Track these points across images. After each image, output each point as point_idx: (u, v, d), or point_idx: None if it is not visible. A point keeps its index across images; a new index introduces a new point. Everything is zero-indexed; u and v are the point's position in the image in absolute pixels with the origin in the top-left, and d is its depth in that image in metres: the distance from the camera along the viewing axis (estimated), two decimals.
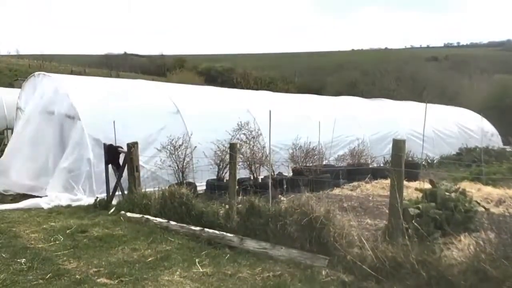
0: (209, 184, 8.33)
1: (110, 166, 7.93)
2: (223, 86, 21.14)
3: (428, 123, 13.42)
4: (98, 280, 4.08)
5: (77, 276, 4.18)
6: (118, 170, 7.80)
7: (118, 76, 39.71)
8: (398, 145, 4.29)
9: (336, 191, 8.91)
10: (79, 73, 36.53)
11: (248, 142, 8.74)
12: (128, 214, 6.64)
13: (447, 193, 5.27)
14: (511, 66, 43.66)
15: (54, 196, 8.18)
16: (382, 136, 13.70)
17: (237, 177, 6.15)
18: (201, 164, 8.77)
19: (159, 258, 4.70)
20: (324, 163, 10.53)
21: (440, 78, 39.02)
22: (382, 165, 11.57)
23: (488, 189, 8.28)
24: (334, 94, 22.30)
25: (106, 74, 44.23)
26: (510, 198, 7.24)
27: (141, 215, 6.41)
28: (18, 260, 4.65)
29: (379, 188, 9.07)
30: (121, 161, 7.81)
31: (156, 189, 7.13)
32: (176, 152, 8.36)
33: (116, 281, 4.07)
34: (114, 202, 7.63)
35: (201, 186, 8.62)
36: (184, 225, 5.74)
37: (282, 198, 7.03)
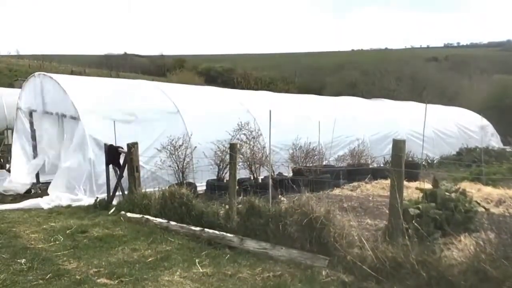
0: (209, 184, 8.33)
1: (110, 166, 7.93)
2: (223, 86, 21.16)
3: (428, 123, 13.41)
4: (98, 281, 4.08)
5: (77, 277, 4.18)
6: (119, 170, 7.80)
7: (118, 76, 39.73)
8: (398, 145, 4.29)
9: (336, 191, 8.90)
10: (79, 73, 36.57)
11: (248, 142, 8.74)
12: (128, 214, 6.64)
13: (447, 193, 5.27)
14: (511, 66, 43.65)
15: (54, 196, 8.20)
16: (382, 136, 13.70)
17: (237, 177, 6.16)
18: (201, 164, 8.77)
19: (159, 259, 4.71)
20: (324, 163, 10.53)
21: (440, 78, 39.01)
22: (382, 165, 11.56)
23: (488, 189, 8.28)
24: (334, 94, 22.31)
25: (106, 74, 44.24)
26: (510, 198, 7.24)
27: (141, 215, 6.41)
28: (18, 260, 4.65)
29: (379, 188, 9.06)
30: (121, 161, 7.81)
31: (156, 189, 7.14)
32: (176, 152, 8.36)
33: (116, 281, 4.07)
34: (114, 202, 7.64)
35: (201, 187, 8.62)
36: (184, 225, 5.74)
37: (282, 199, 7.02)
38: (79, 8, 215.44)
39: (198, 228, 5.51)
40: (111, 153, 7.86)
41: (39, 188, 9.54)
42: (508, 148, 17.95)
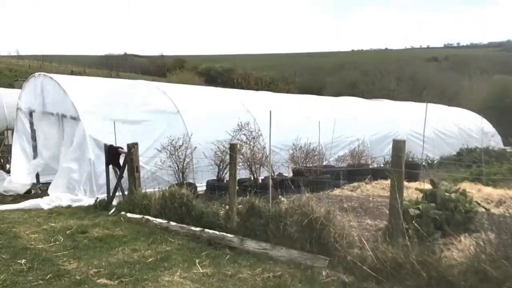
0: (209, 184, 8.33)
1: (110, 166, 7.93)
2: (223, 86, 21.17)
3: (428, 123, 13.42)
4: (98, 281, 4.08)
5: (77, 277, 4.18)
6: (119, 170, 7.80)
7: (118, 77, 39.73)
8: (398, 145, 4.29)
9: (336, 191, 8.90)
10: (79, 74, 36.59)
11: (248, 142, 8.73)
12: (128, 214, 6.64)
13: (447, 194, 5.27)
14: (511, 67, 43.66)
15: (54, 196, 8.20)
16: (382, 136, 13.70)
17: (237, 178, 6.15)
18: (201, 165, 8.76)
19: (159, 259, 4.70)
20: (324, 163, 10.52)
21: (440, 78, 39.02)
22: (382, 165, 11.56)
23: (489, 189, 8.27)
24: (334, 94, 22.30)
25: (106, 74, 44.23)
26: (510, 199, 7.24)
27: (141, 216, 6.41)
28: (18, 260, 4.65)
29: (379, 188, 9.06)
30: (121, 161, 7.81)
31: (156, 189, 7.14)
32: (176, 153, 8.36)
33: (116, 281, 4.07)
34: (114, 202, 7.64)
35: (201, 187, 8.62)
36: (184, 225, 5.74)
37: (282, 199, 7.02)
38: (79, 8, 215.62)
39: (198, 229, 5.51)
40: (111, 153, 7.86)
41: (39, 189, 9.55)
42: (508, 149, 17.94)
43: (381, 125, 14.32)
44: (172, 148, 8.36)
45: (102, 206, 7.50)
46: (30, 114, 10.42)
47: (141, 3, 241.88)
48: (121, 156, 7.83)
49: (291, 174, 9.63)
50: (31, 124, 10.42)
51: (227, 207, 5.66)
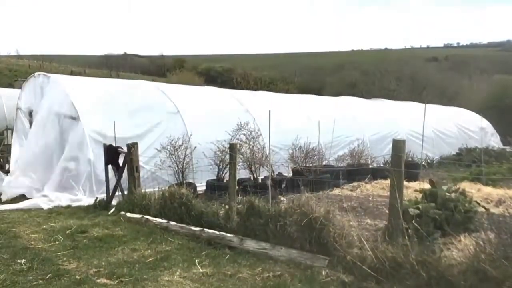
0: (209, 184, 8.33)
1: (110, 166, 7.93)
2: (223, 86, 21.13)
3: (428, 123, 13.44)
4: (98, 281, 4.08)
5: (77, 277, 4.18)
6: (118, 170, 7.80)
7: (118, 77, 39.71)
8: (398, 145, 4.30)
9: (336, 191, 8.90)
10: (79, 74, 36.58)
11: (248, 142, 8.73)
12: (128, 214, 6.64)
13: (447, 194, 5.27)
14: (511, 67, 43.68)
15: (54, 196, 8.20)
16: (382, 136, 13.70)
17: (237, 178, 6.15)
18: (201, 165, 8.76)
19: (159, 259, 4.70)
20: (324, 163, 10.53)
21: (440, 78, 39.04)
22: (382, 165, 11.56)
23: (488, 189, 8.28)
24: (334, 94, 22.30)
25: (106, 74, 44.23)
26: (510, 199, 7.24)
27: (141, 216, 6.41)
28: (18, 260, 4.65)
29: (379, 188, 9.06)
30: (121, 161, 7.81)
31: (156, 189, 7.13)
32: (176, 153, 8.36)
33: (116, 281, 4.07)
34: (114, 202, 7.64)
35: (201, 187, 8.62)
36: (184, 225, 5.74)
37: (282, 199, 7.02)
38: (79, 8, 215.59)
39: (198, 228, 5.51)
40: (111, 153, 7.86)
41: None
42: (508, 148, 17.96)
43: (381, 125, 14.33)
44: (171, 148, 8.35)
45: (101, 206, 7.50)
46: (30, 114, 10.42)
47: (141, 3, 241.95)
48: (120, 156, 7.83)
49: (290, 174, 9.63)
50: (31, 124, 10.41)
51: (226, 207, 5.66)
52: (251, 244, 4.90)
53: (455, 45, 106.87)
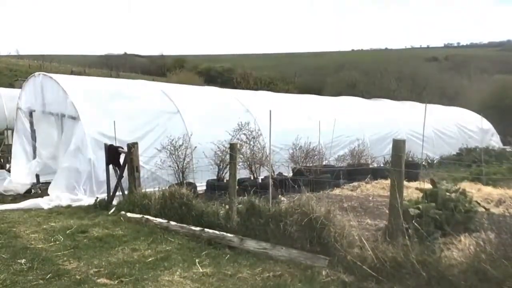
0: (209, 184, 8.33)
1: (110, 166, 7.93)
2: (223, 86, 21.14)
3: (428, 123, 13.44)
4: (98, 281, 4.08)
5: (77, 277, 4.18)
6: (119, 170, 7.80)
7: (118, 76, 39.70)
8: (398, 145, 4.29)
9: (336, 191, 8.91)
10: (79, 74, 36.52)
11: (248, 142, 8.74)
12: (128, 214, 6.64)
13: (447, 193, 5.27)
14: (511, 67, 43.65)
15: (54, 196, 8.20)
16: (382, 136, 13.70)
17: (237, 177, 6.15)
18: (201, 165, 8.76)
19: (159, 258, 4.70)
20: (324, 163, 10.52)
21: (440, 78, 39.02)
22: (382, 165, 11.55)
23: (488, 189, 8.28)
24: (334, 94, 22.31)
25: (106, 74, 44.19)
26: (510, 198, 7.24)
27: (141, 215, 6.41)
28: (18, 260, 4.65)
29: (379, 188, 9.06)
30: (121, 161, 7.81)
31: (156, 189, 7.13)
32: (176, 152, 8.36)
33: (116, 281, 4.07)
34: (114, 202, 7.64)
35: (201, 186, 8.62)
36: (184, 225, 5.74)
37: (282, 198, 7.02)
38: (79, 8, 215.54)
39: (198, 228, 5.51)
40: (111, 153, 7.86)
41: (39, 188, 9.54)
42: (508, 148, 17.96)
43: (381, 125, 14.32)
44: (172, 148, 8.36)
45: (102, 206, 7.50)
46: (30, 114, 10.42)
47: (141, 3, 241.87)
48: (121, 156, 7.83)
49: (291, 174, 9.63)
50: (31, 124, 10.42)
51: (227, 206, 5.66)
52: (251, 244, 4.89)
53: (455, 45, 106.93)
